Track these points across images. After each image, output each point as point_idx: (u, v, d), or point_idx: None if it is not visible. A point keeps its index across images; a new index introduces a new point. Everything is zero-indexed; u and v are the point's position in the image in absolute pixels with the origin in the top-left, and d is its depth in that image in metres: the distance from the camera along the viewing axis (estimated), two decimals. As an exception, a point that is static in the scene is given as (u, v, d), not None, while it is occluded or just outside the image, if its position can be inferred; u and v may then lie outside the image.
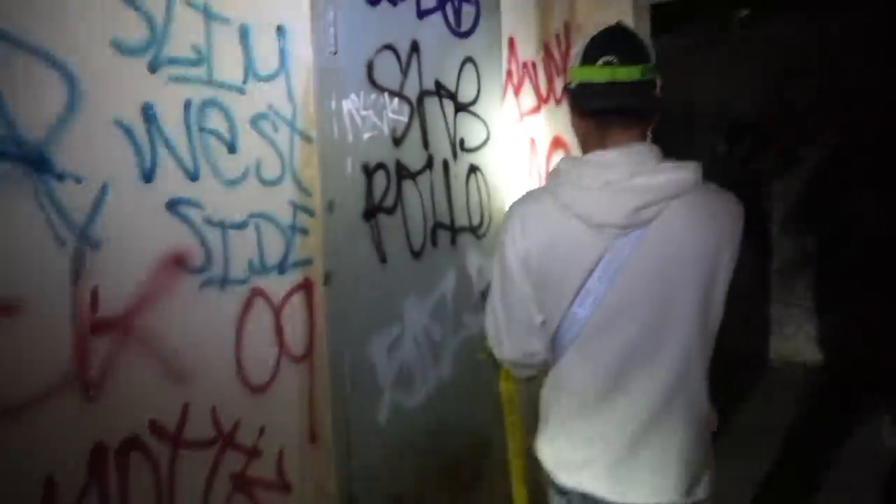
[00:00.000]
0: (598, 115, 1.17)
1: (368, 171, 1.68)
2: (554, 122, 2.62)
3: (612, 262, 1.12)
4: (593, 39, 1.18)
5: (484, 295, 2.15)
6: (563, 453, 1.25)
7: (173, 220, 1.26)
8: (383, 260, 1.74)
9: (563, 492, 1.25)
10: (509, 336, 1.27)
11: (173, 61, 1.25)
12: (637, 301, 1.13)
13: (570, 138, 2.75)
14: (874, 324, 4.27)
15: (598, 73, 1.15)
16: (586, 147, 1.21)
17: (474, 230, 2.11)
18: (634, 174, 1.10)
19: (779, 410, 3.78)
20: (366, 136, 1.67)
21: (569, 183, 1.15)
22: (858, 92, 4.50)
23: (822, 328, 4.60)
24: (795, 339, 4.73)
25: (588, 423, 1.20)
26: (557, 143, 2.66)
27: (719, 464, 1.26)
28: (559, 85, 2.67)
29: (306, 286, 1.55)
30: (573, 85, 1.20)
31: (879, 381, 3.91)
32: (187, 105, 1.28)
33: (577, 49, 1.21)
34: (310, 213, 1.55)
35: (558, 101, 2.66)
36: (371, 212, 1.69)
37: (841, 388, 4.11)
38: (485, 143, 2.15)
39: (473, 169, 2.09)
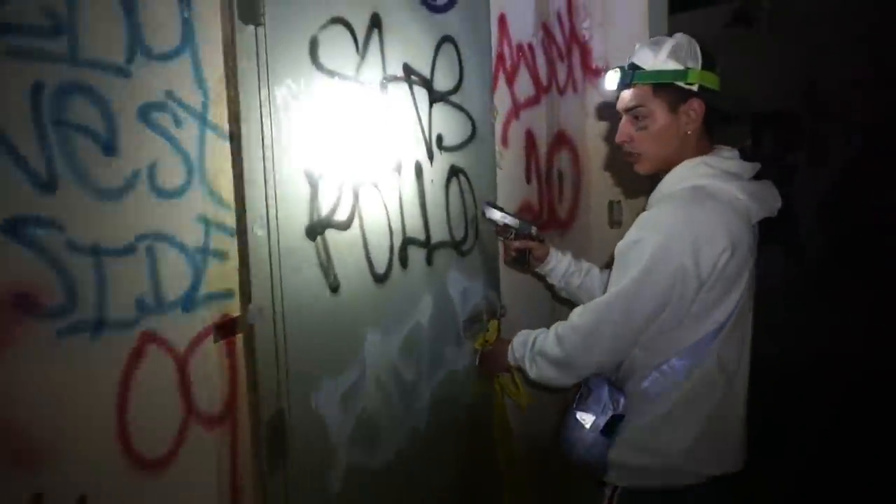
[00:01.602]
0: (722, 121, 1.41)
1: (313, 178, 1.33)
2: (557, 116, 2.25)
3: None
4: (700, 45, 1.36)
5: (469, 323, 1.79)
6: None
7: (12, 247, 0.91)
8: (334, 289, 1.39)
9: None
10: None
11: (11, 30, 0.91)
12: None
13: (576, 134, 2.38)
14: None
15: (717, 82, 1.38)
16: (685, 150, 1.38)
17: (457, 245, 1.75)
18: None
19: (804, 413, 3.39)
20: (308, 132, 1.32)
21: (730, 181, 1.34)
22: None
23: (857, 331, 4.17)
24: (826, 343, 4.31)
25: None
26: (561, 140, 2.29)
27: None
28: (563, 72, 2.30)
29: (224, 326, 1.20)
30: (696, 86, 1.34)
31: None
32: (37, 90, 0.94)
33: (674, 50, 1.34)
34: (228, 231, 1.20)
35: (562, 92, 2.29)
36: (317, 229, 1.34)
37: (880, 392, 3.68)
38: (469, 139, 1.79)
39: (455, 171, 1.74)
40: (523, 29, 2.07)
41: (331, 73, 1.37)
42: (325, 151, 1.36)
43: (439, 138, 1.67)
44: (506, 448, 1.90)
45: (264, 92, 1.23)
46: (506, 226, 1.77)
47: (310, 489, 1.35)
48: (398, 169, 1.54)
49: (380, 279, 1.50)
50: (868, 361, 3.99)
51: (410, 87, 1.58)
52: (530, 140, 2.12)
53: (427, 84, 1.63)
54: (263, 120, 1.23)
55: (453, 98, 1.72)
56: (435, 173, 1.66)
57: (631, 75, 1.37)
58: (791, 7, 4.25)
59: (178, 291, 1.12)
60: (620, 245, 1.36)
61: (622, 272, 1.33)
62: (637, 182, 1.94)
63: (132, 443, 1.06)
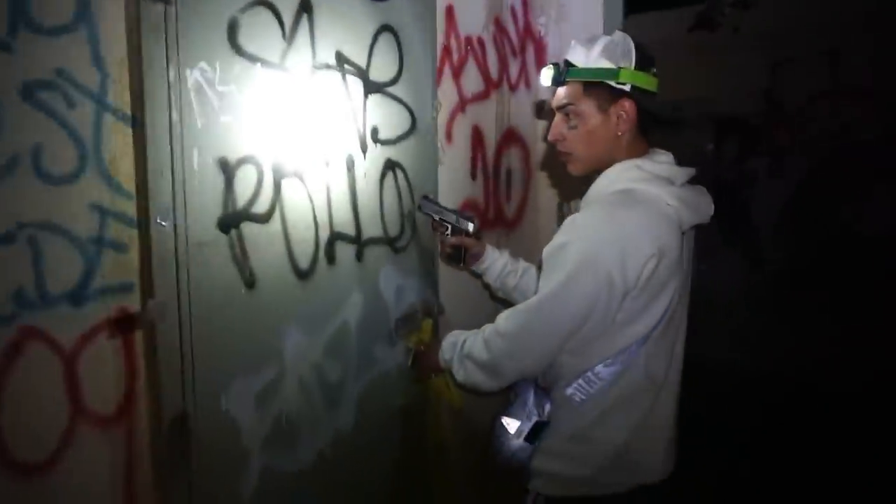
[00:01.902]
0: (656, 124, 1.37)
1: (228, 167, 1.27)
2: (507, 113, 2.21)
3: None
4: (636, 44, 1.31)
5: (402, 321, 1.74)
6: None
7: None
8: (250, 284, 1.32)
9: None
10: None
11: None
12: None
13: (527, 132, 2.34)
14: (880, 335, 3.91)
15: (653, 83, 1.33)
16: (617, 151, 1.34)
17: (391, 242, 1.70)
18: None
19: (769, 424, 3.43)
20: (224, 119, 1.26)
21: (661, 186, 1.29)
22: (859, 86, 4.12)
23: (819, 342, 4.22)
24: (788, 353, 4.36)
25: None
26: (511, 137, 2.25)
27: None
28: (515, 67, 2.25)
29: (122, 322, 1.13)
30: (628, 87, 1.30)
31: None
32: None
33: (606, 48, 1.30)
34: (127, 222, 1.13)
35: (514, 88, 2.25)
36: (231, 221, 1.28)
37: (842, 405, 3.74)
38: (408, 133, 1.73)
39: (391, 165, 1.68)
40: (473, 22, 2.02)
41: (252, 59, 1.30)
42: (243, 141, 1.29)
43: (374, 131, 1.61)
44: (440, 451, 1.85)
45: (173, 75, 1.16)
46: (442, 221, 1.72)
47: (219, 493, 1.29)
48: (326, 161, 1.48)
49: (303, 275, 1.44)
50: (826, 368, 4.05)
51: (343, 77, 1.52)
52: (477, 136, 2.07)
53: (362, 74, 1.57)
54: (172, 105, 1.16)
55: (391, 90, 1.66)
56: (368, 167, 1.60)
57: (564, 72, 1.33)
58: (754, 16, 4.28)
59: (67, 284, 1.05)
60: (548, 248, 1.32)
61: (548, 277, 1.29)
62: (588, 183, 1.91)
63: (7, 446, 0.99)
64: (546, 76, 1.37)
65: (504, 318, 1.36)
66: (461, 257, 1.72)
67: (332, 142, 1.49)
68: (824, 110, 4.27)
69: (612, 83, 1.29)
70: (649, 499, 1.39)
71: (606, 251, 1.22)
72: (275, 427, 1.40)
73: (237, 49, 1.27)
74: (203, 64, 1.21)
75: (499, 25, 2.15)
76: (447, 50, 1.91)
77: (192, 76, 1.19)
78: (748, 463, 3.19)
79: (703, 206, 1.37)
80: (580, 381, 1.33)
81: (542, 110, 2.30)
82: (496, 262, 1.70)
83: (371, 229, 1.62)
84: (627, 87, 1.29)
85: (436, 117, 1.84)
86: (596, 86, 1.31)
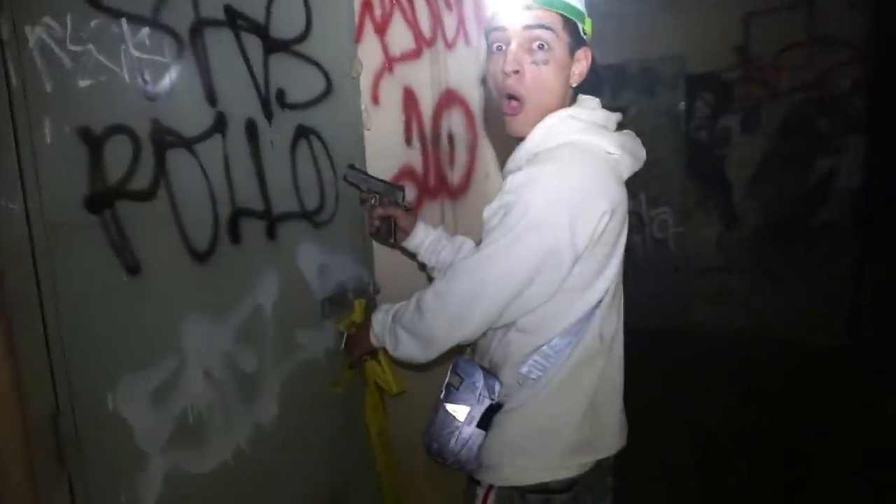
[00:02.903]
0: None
1: (93, 139, 1.11)
2: (444, 73, 2.05)
3: None
4: None
5: (330, 303, 1.61)
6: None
7: None
8: (133, 269, 1.18)
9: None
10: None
11: None
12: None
13: (469, 92, 2.18)
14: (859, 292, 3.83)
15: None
16: (558, 105, 1.21)
17: (309, 216, 1.56)
18: None
19: (740, 389, 3.36)
20: (83, 84, 1.10)
21: (601, 134, 1.19)
22: (833, 37, 4.00)
23: (795, 300, 4.14)
24: (764, 314, 4.28)
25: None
26: (450, 98, 2.09)
27: None
28: (451, 23, 2.09)
29: (-34, 319, 0.99)
30: (588, 38, 1.21)
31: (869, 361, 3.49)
32: None
33: None
34: (-35, 205, 0.99)
35: (450, 46, 2.09)
36: (102, 200, 1.13)
37: (819, 367, 3.66)
38: (323, 96, 1.58)
39: (304, 132, 1.53)
40: (397, -28, 1.85)
41: (115, 14, 1.14)
42: (111, 107, 1.14)
43: (280, 93, 1.46)
44: (381, 441, 1.74)
45: (7, 34, 1.00)
46: (369, 191, 1.58)
47: (113, 501, 1.17)
48: (221, 129, 1.33)
49: (201, 257, 1.30)
50: (800, 333, 3.97)
51: (237, 34, 1.36)
52: (410, 98, 1.91)
53: (261, 31, 1.42)
54: (10, 69, 1.01)
55: (298, 48, 1.51)
56: (276, 133, 1.45)
57: None
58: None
59: None
60: (488, 210, 1.19)
61: (490, 237, 1.17)
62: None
63: None
64: None
65: (440, 278, 1.24)
66: (391, 231, 1.58)
67: (226, 107, 1.34)
68: (797, 61, 4.15)
69: (580, 28, 1.18)
70: (605, 475, 1.29)
71: (555, 211, 1.10)
72: (179, 425, 1.27)
73: (94, 3, 1.11)
74: (48, 20, 1.05)
75: (429, -24, 1.98)
76: (367, 4, 1.75)
77: (35, 34, 1.04)
78: (735, 429, 3.10)
79: (639, 152, 1.26)
80: (535, 357, 1.21)
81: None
82: (428, 236, 1.56)
83: (284, 203, 1.48)
84: (587, 38, 1.20)
85: (356, 78, 1.68)
86: (571, 24, 1.17)
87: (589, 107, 1.24)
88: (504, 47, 1.19)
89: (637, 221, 4.68)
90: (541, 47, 1.17)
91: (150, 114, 1.20)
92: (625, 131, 1.26)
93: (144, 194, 1.20)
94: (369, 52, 1.75)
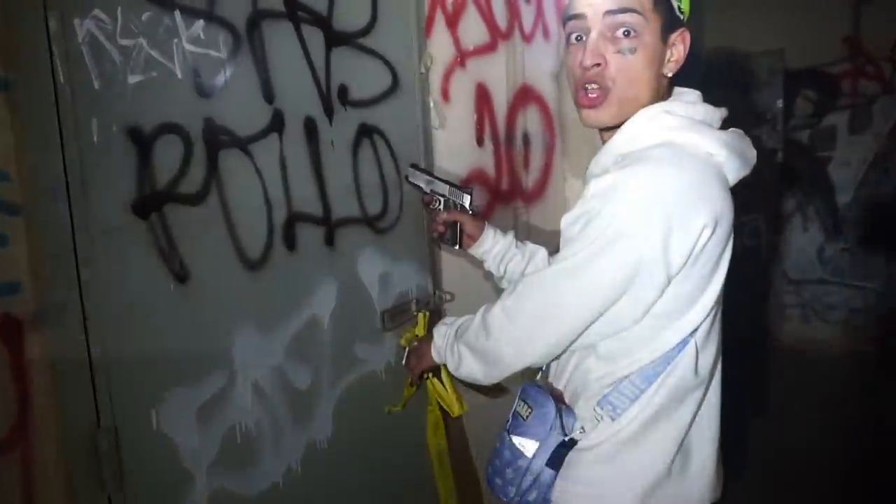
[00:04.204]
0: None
1: (142, 139, 1.05)
2: (520, 68, 1.91)
3: None
4: None
5: (391, 315, 1.50)
6: None
7: None
8: (182, 278, 1.11)
9: None
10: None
11: None
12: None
13: (548, 89, 2.03)
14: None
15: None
16: (652, 97, 1.03)
17: (371, 222, 1.45)
18: None
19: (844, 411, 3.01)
20: (133, 80, 1.04)
21: (702, 133, 1.00)
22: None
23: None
24: (866, 328, 3.89)
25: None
26: (527, 95, 1.95)
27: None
28: (529, 15, 1.94)
29: (7, 328, 0.94)
30: (685, 18, 1.05)
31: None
32: None
33: None
34: (7, 209, 0.93)
35: (528, 39, 1.94)
36: (150, 203, 1.06)
37: None
38: (389, 92, 1.47)
39: (367, 131, 1.43)
40: (472, -40, 1.72)
41: (168, 6, 1.07)
42: (161, 105, 1.07)
43: (342, 90, 1.36)
44: (441, 464, 1.61)
45: (55, 26, 0.94)
46: (433, 193, 1.46)
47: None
48: (278, 128, 1.24)
49: (253, 265, 1.21)
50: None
51: (297, 27, 1.27)
52: (482, 95, 1.78)
53: (323, 23, 1.32)
54: (57, 64, 0.95)
55: (363, 41, 1.40)
56: (336, 133, 1.35)
57: None
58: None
59: (-76, 288, 0.86)
60: (567, 218, 1.03)
61: (568, 248, 1.01)
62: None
63: None
64: None
65: (508, 292, 1.09)
66: (456, 237, 1.45)
67: (285, 105, 1.25)
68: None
69: (676, 7, 1.01)
70: None
71: (646, 221, 0.93)
72: (226, 444, 1.19)
73: (147, -6, 1.04)
74: (98, 13, 0.99)
75: (506, -36, 1.84)
76: (439, -6, 1.63)
77: (84, 28, 0.97)
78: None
79: (748, 153, 1.06)
80: (617, 389, 1.05)
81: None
82: (497, 244, 1.42)
83: (344, 208, 1.38)
84: (685, 18, 1.04)
85: (425, 73, 1.56)
86: (664, 2, 1.01)
87: (688, 100, 1.06)
88: (584, 37, 1.02)
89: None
90: (626, 34, 0.99)
91: (203, 112, 1.13)
92: (731, 129, 1.07)
93: (195, 198, 1.12)
94: (440, 46, 1.62)
